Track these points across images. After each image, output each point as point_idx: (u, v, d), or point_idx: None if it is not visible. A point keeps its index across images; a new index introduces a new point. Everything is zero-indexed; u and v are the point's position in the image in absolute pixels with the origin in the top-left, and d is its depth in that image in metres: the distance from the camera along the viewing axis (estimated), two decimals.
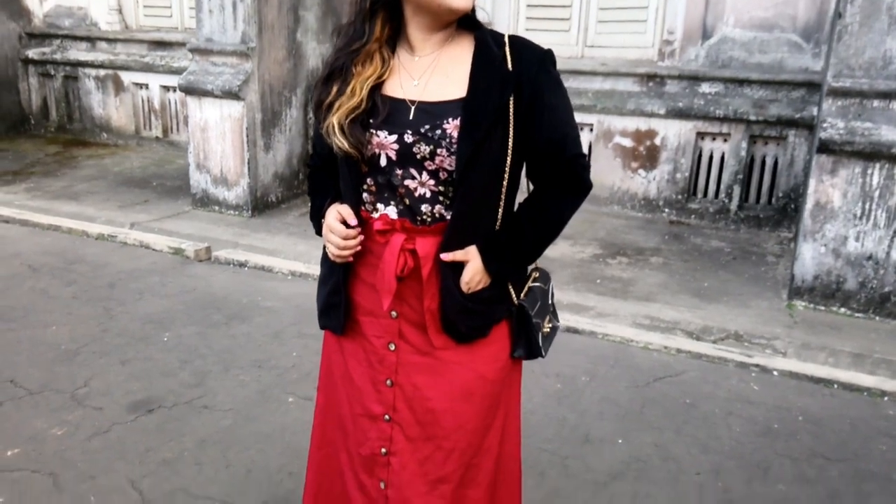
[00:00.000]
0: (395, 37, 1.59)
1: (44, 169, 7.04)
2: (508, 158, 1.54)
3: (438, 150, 1.50)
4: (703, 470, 2.68)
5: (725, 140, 5.52)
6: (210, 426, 2.89)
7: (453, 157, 1.49)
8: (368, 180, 1.58)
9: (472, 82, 1.51)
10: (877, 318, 4.04)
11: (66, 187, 6.41)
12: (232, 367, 3.37)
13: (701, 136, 5.59)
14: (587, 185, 1.63)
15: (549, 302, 1.77)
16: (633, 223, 5.67)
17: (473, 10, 1.56)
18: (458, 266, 1.59)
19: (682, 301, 4.22)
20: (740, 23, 5.47)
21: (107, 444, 2.76)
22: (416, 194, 1.55)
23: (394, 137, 1.51)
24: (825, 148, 3.97)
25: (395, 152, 1.52)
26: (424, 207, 1.56)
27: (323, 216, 1.73)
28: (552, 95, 1.53)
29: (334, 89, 1.56)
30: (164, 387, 3.18)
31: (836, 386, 3.32)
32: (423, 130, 1.50)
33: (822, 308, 4.15)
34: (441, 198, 1.55)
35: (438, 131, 1.50)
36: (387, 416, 1.67)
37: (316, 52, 6.11)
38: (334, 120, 1.53)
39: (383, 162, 1.55)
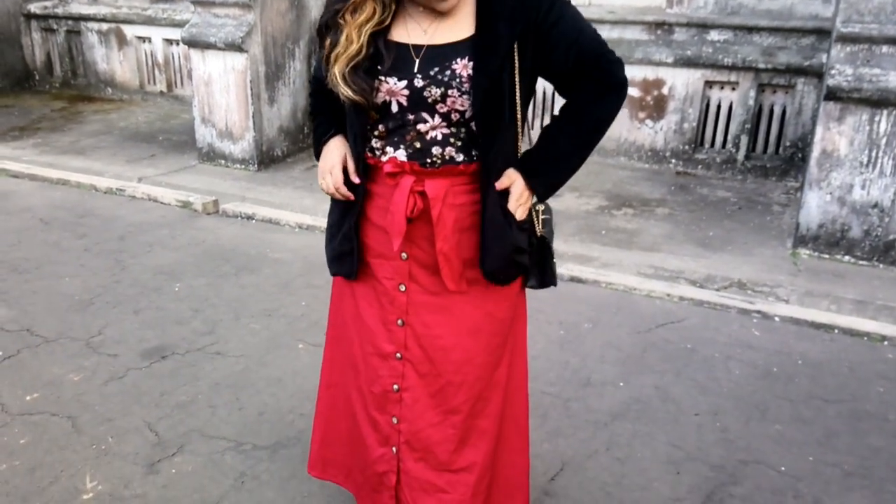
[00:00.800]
0: None
1: (50, 124, 7.06)
2: (520, 91, 1.56)
3: (450, 92, 1.51)
4: (702, 411, 2.75)
5: (734, 89, 5.48)
6: (222, 371, 2.97)
7: (465, 97, 1.51)
8: (380, 126, 1.61)
9: (479, 19, 1.51)
10: (881, 265, 4.07)
11: (74, 142, 6.43)
12: (242, 316, 3.44)
13: (709, 84, 5.54)
14: (620, 80, 1.60)
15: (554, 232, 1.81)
16: (640, 174, 5.66)
17: None
18: (499, 220, 1.61)
19: (686, 250, 4.25)
20: None
21: (123, 388, 2.84)
22: (428, 137, 1.58)
23: (403, 83, 1.53)
24: (832, 95, 3.95)
25: (406, 98, 1.54)
26: (435, 150, 1.59)
27: (324, 142, 1.77)
28: (562, 10, 1.53)
29: (328, 42, 1.57)
30: (176, 334, 3.26)
31: (836, 331, 3.37)
32: (432, 73, 1.52)
33: (827, 256, 4.17)
34: (452, 139, 1.58)
35: (448, 72, 1.51)
36: (398, 355, 1.73)
37: (318, 3, 6.05)
38: (336, 70, 1.54)
39: (395, 108, 1.57)
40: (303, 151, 6.04)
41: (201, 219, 4.73)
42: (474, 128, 1.56)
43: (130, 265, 3.99)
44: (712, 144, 5.68)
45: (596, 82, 1.58)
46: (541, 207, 1.75)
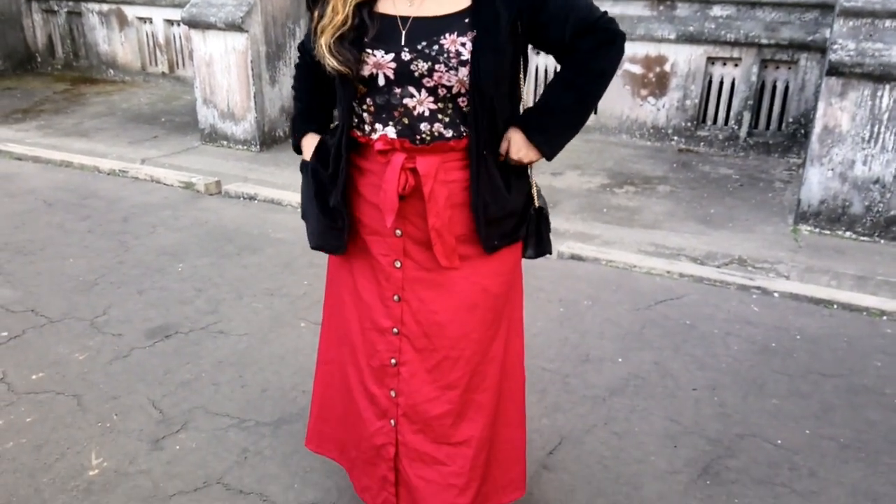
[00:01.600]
0: None
1: (53, 106, 7.07)
2: (516, 65, 1.58)
3: (437, 67, 1.52)
4: (700, 385, 2.77)
5: (736, 65, 5.44)
6: (225, 349, 3.00)
7: (451, 72, 1.52)
8: (367, 101, 1.61)
9: None
10: (882, 241, 4.07)
11: (77, 124, 6.44)
12: (245, 296, 3.47)
13: (711, 61, 5.51)
14: (618, 32, 1.58)
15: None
16: (642, 152, 5.65)
17: None
18: (488, 178, 1.62)
19: (687, 228, 4.25)
20: None
21: (127, 367, 2.88)
22: (415, 113, 1.59)
23: (390, 56, 1.54)
24: (835, 70, 3.92)
25: (392, 71, 1.55)
26: (424, 126, 1.60)
27: (303, 135, 1.80)
28: None
29: (316, 15, 1.58)
30: (180, 314, 3.29)
31: (835, 306, 3.38)
32: (419, 47, 1.52)
33: (828, 232, 4.17)
34: (440, 115, 1.58)
35: (436, 47, 1.51)
36: (395, 330, 1.75)
37: None
38: (322, 42, 1.55)
39: (381, 82, 1.57)
40: None
41: (204, 199, 4.75)
42: (462, 104, 1.57)
43: (134, 246, 4.02)
44: (714, 121, 5.66)
45: (594, 38, 1.57)
46: (533, 178, 1.76)
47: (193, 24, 5.62)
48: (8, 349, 2.99)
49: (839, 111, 3.99)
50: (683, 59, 5.54)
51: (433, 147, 1.61)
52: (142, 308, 3.34)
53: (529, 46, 1.63)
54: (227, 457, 2.37)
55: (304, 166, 1.82)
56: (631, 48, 5.67)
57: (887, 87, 3.87)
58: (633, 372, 2.86)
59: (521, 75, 1.64)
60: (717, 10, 5.43)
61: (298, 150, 1.87)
